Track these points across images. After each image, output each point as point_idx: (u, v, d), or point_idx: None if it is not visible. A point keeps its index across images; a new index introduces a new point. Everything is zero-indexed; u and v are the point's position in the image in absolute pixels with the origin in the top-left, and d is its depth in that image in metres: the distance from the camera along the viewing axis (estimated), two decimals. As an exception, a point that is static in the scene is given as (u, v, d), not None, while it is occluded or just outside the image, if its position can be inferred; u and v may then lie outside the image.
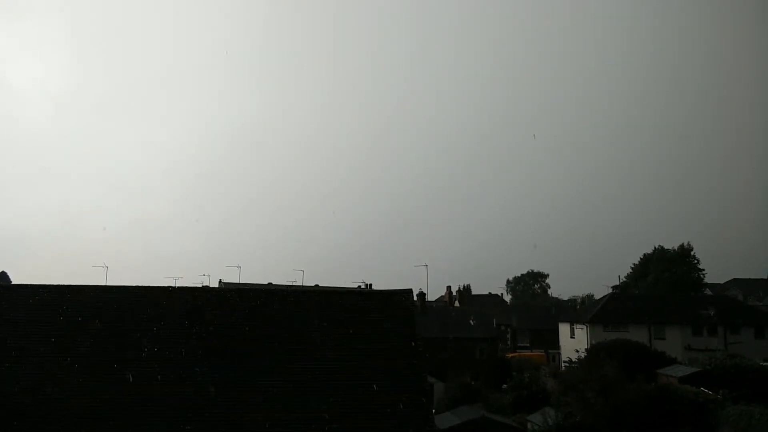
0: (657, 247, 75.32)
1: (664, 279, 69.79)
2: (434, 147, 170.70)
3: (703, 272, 72.62)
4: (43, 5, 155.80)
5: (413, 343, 15.36)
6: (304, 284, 56.71)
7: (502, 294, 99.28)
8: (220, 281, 56.96)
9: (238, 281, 55.97)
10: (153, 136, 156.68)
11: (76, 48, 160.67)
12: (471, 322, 50.16)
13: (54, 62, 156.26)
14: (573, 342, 50.91)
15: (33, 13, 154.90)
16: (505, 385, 37.13)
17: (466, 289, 79.86)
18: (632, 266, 77.88)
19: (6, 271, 55.18)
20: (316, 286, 54.45)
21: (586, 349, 40.62)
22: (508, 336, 67.96)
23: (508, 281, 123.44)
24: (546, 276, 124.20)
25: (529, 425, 28.59)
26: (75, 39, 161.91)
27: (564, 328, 55.82)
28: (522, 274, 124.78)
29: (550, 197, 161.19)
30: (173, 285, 19.29)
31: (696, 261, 72.63)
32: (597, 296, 75.56)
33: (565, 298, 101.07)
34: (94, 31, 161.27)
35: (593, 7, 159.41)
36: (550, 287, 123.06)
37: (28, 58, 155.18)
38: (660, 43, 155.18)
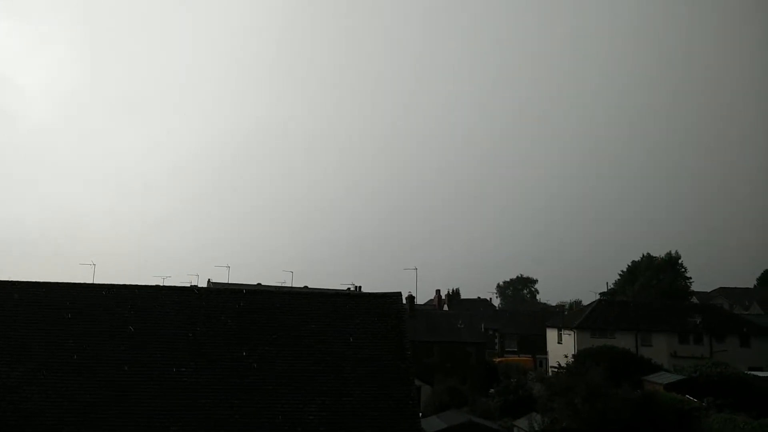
0: (645, 254, 75.85)
1: (652, 286, 70.24)
2: (427, 153, 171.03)
3: (690, 280, 73.22)
4: (50, 3, 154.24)
5: (401, 346, 15.35)
6: (294, 285, 56.51)
7: (491, 299, 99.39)
8: (208, 281, 56.61)
9: (227, 281, 55.68)
10: (154, 138, 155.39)
11: (81, 48, 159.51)
12: (459, 326, 50.18)
13: (58, 62, 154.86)
14: (560, 347, 51.07)
15: (40, 12, 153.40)
16: (492, 390, 37.16)
17: (455, 293, 79.92)
18: (620, 273, 78.37)
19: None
20: (305, 287, 54.26)
21: (574, 355, 40.78)
22: (496, 340, 68.05)
23: (498, 286, 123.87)
24: (535, 281, 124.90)
25: (515, 430, 28.63)
26: (81, 39, 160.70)
27: (552, 334, 56.02)
28: (511, 279, 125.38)
29: (541, 204, 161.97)
30: (161, 284, 19.16)
31: (683, 269, 73.18)
32: (585, 302, 75.95)
33: (554, 304, 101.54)
34: (103, 31, 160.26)
35: (595, 12, 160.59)
36: (538, 293, 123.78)
37: (33, 57, 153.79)
38: (661, 55, 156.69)
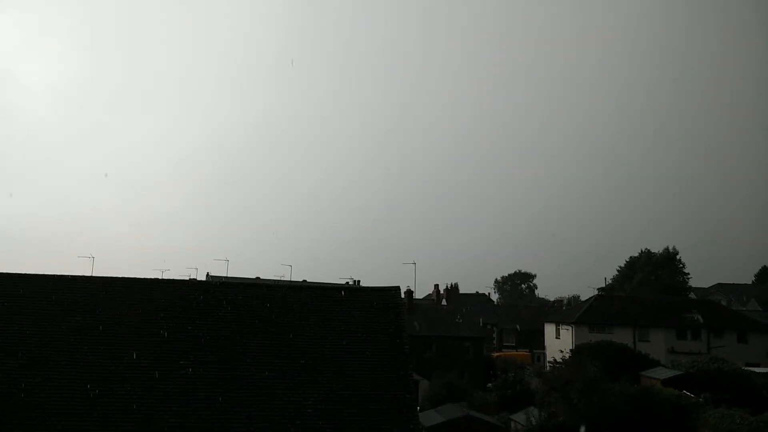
0: (643, 250, 76.04)
1: (650, 282, 70.40)
2: (427, 148, 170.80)
3: (688, 276, 73.44)
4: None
5: (399, 340, 15.37)
6: (292, 279, 56.57)
7: (489, 293, 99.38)
8: (207, 274, 56.70)
9: (225, 275, 55.75)
10: (155, 133, 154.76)
11: (82, 43, 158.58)
12: (457, 320, 50.32)
13: (61, 58, 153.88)
14: (558, 342, 51.15)
15: (41, 4, 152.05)
16: (489, 384, 37.29)
17: (454, 288, 79.90)
18: (618, 269, 78.55)
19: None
20: (304, 281, 54.28)
21: (571, 350, 40.87)
22: (494, 335, 68.18)
23: (496, 281, 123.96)
24: (533, 276, 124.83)
25: (512, 424, 28.73)
26: (82, 35, 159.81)
27: (550, 329, 56.11)
28: (510, 274, 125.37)
29: (539, 200, 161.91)
30: (160, 277, 19.17)
31: (681, 265, 73.34)
32: (583, 298, 76.07)
33: (552, 299, 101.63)
34: (103, 26, 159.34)
35: (595, 12, 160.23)
36: (537, 288, 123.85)
37: (33, 51, 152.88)
38: (660, 51, 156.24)
